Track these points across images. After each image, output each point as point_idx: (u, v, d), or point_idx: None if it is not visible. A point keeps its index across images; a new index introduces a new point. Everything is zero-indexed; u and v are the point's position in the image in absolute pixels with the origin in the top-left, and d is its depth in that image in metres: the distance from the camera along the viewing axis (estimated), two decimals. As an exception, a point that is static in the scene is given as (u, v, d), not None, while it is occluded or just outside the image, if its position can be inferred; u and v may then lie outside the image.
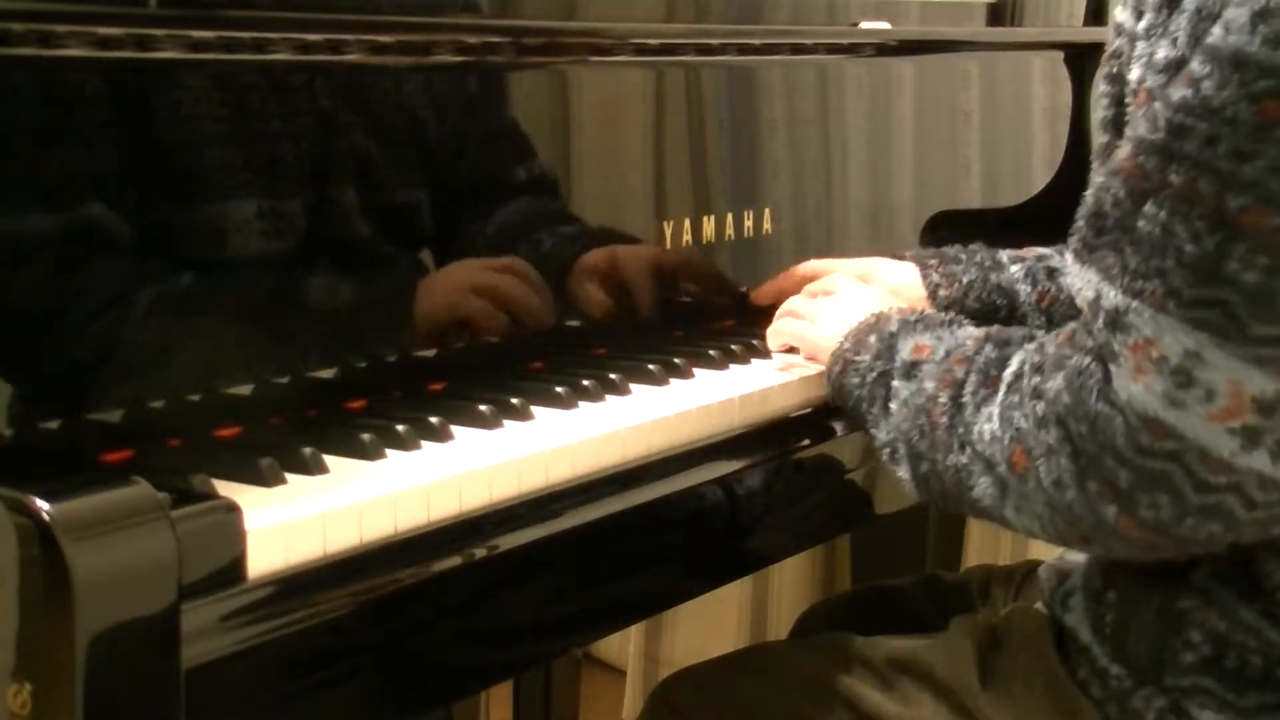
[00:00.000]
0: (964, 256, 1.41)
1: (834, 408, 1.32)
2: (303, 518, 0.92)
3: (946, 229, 1.76)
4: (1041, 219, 1.88)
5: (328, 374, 1.14)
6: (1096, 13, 2.02)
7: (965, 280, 1.39)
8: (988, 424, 0.99)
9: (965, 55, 1.83)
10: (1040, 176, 1.93)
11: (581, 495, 1.08)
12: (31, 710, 0.79)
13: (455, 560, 0.98)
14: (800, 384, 1.30)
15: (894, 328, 1.15)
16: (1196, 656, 0.98)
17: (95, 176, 0.99)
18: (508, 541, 1.02)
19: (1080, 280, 0.93)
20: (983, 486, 0.99)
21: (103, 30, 0.98)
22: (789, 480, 1.29)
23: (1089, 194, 0.94)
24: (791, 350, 1.34)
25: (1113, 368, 0.89)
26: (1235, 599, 0.97)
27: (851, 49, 1.66)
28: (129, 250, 1.01)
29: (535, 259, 1.31)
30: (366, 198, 1.17)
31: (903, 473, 1.09)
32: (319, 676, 0.94)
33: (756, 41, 1.54)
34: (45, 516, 0.78)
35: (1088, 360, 0.91)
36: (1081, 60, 1.94)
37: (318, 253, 1.13)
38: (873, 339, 1.15)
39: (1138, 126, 0.90)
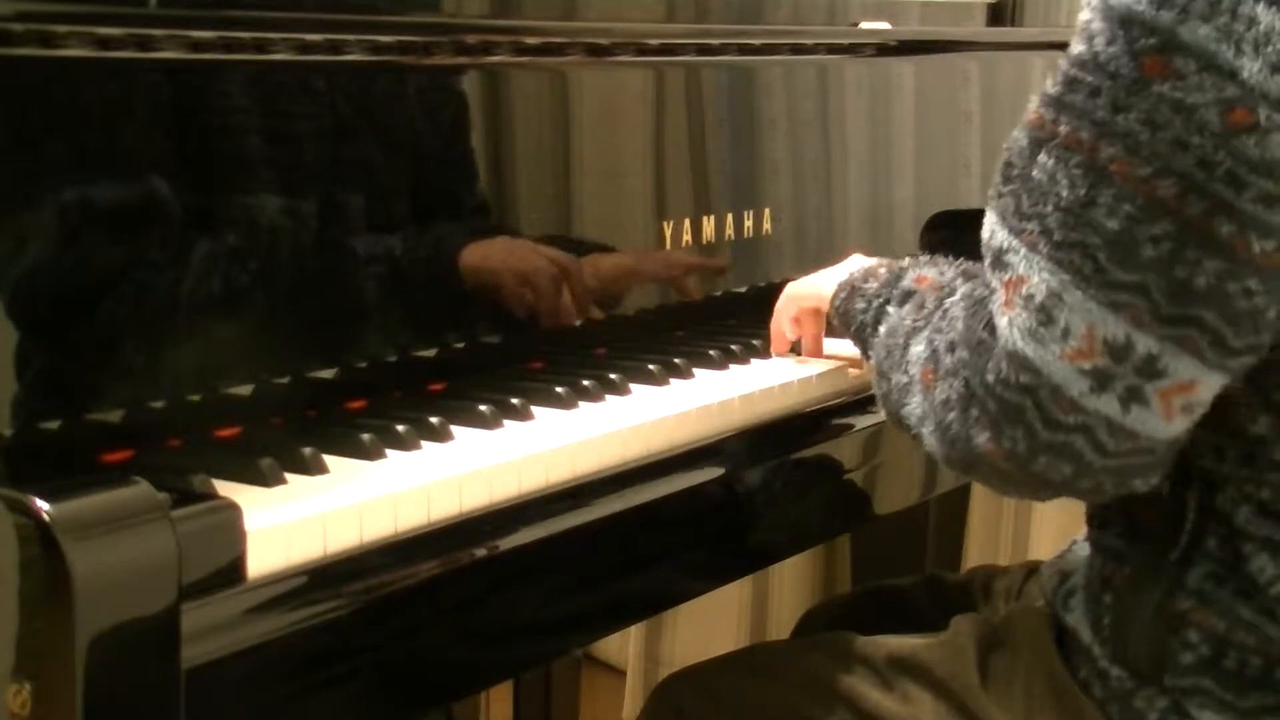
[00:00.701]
0: None
1: (832, 408, 1.32)
2: (303, 518, 0.92)
3: (946, 229, 1.76)
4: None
5: (328, 374, 1.14)
6: (1096, 13, 2.02)
7: None
8: (917, 345, 1.02)
9: (965, 55, 1.83)
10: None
11: (581, 495, 1.08)
12: (31, 710, 0.79)
13: (455, 560, 0.98)
14: (800, 384, 1.30)
15: (904, 262, 1.18)
16: (1195, 657, 0.99)
17: (95, 177, 0.99)
18: (508, 541, 1.02)
19: (985, 224, 0.96)
20: (911, 405, 1.02)
21: (103, 30, 0.98)
22: (789, 480, 1.29)
23: (1005, 144, 0.97)
24: (794, 351, 1.34)
25: (990, 304, 0.93)
26: (1232, 598, 0.97)
27: (851, 49, 1.66)
28: (129, 250, 1.01)
29: (535, 258, 1.31)
30: (366, 197, 1.17)
31: (881, 389, 1.12)
32: (319, 676, 0.94)
33: (756, 41, 1.54)
34: (45, 516, 0.78)
35: (984, 293, 0.95)
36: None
37: (318, 253, 1.13)
38: (883, 270, 1.19)
39: (1046, 81, 0.94)
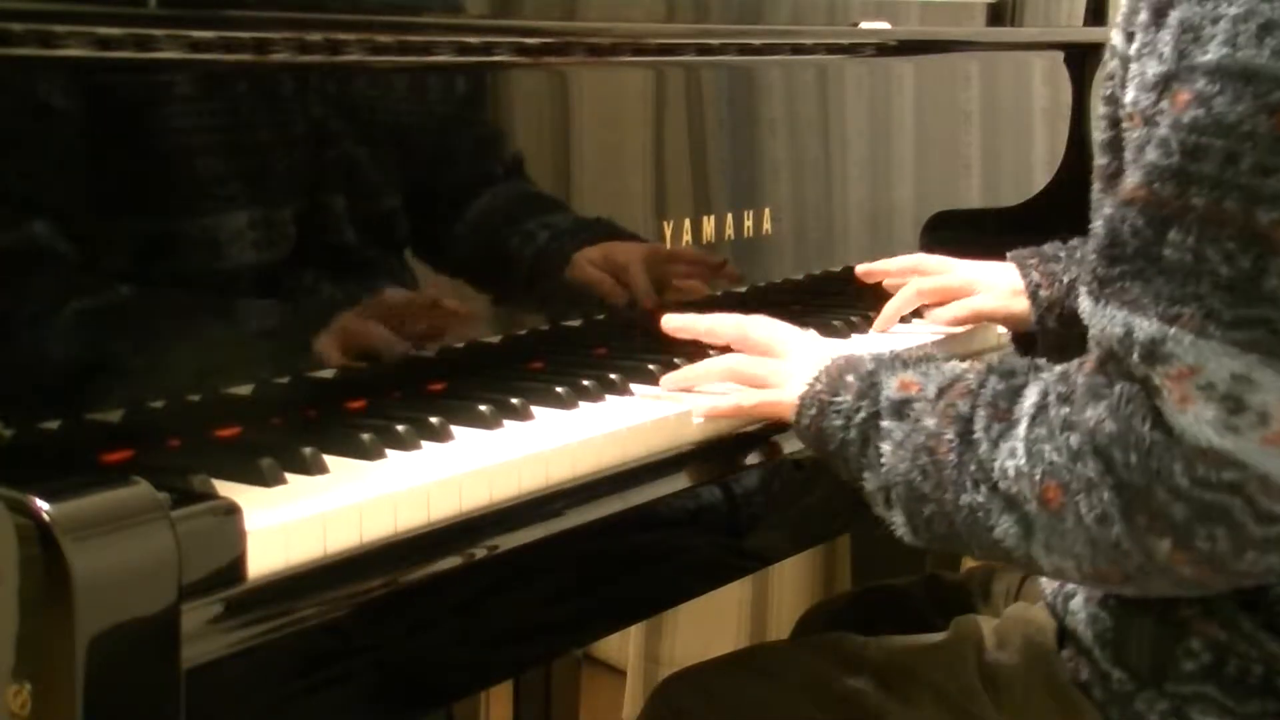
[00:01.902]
0: (1063, 254, 1.39)
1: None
2: (303, 518, 0.92)
3: (946, 229, 1.76)
4: (1041, 219, 1.88)
5: (328, 374, 1.14)
6: (1096, 13, 2.02)
7: (1065, 280, 1.37)
8: (1010, 460, 0.93)
9: (965, 55, 1.83)
10: (1040, 176, 1.93)
11: (581, 495, 1.08)
12: (31, 710, 0.79)
13: (455, 560, 0.98)
14: (800, 384, 1.30)
15: (870, 365, 1.08)
16: (1197, 664, 0.98)
17: (95, 176, 0.99)
18: (508, 541, 1.02)
19: (1103, 318, 0.89)
20: (1004, 526, 0.94)
21: (103, 30, 0.98)
22: (789, 480, 1.29)
23: (1099, 226, 0.91)
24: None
25: (1157, 402, 0.86)
26: (1235, 609, 0.97)
27: (851, 49, 1.66)
28: (130, 250, 1.01)
29: (535, 258, 1.31)
30: (367, 198, 1.17)
31: (897, 518, 1.02)
32: (319, 676, 0.94)
33: (756, 41, 1.54)
34: (45, 516, 0.78)
35: (1134, 389, 0.87)
36: (1081, 60, 1.94)
37: (319, 252, 1.13)
38: (850, 378, 1.07)
39: (1147, 154, 0.88)
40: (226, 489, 0.93)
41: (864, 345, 1.30)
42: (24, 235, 0.95)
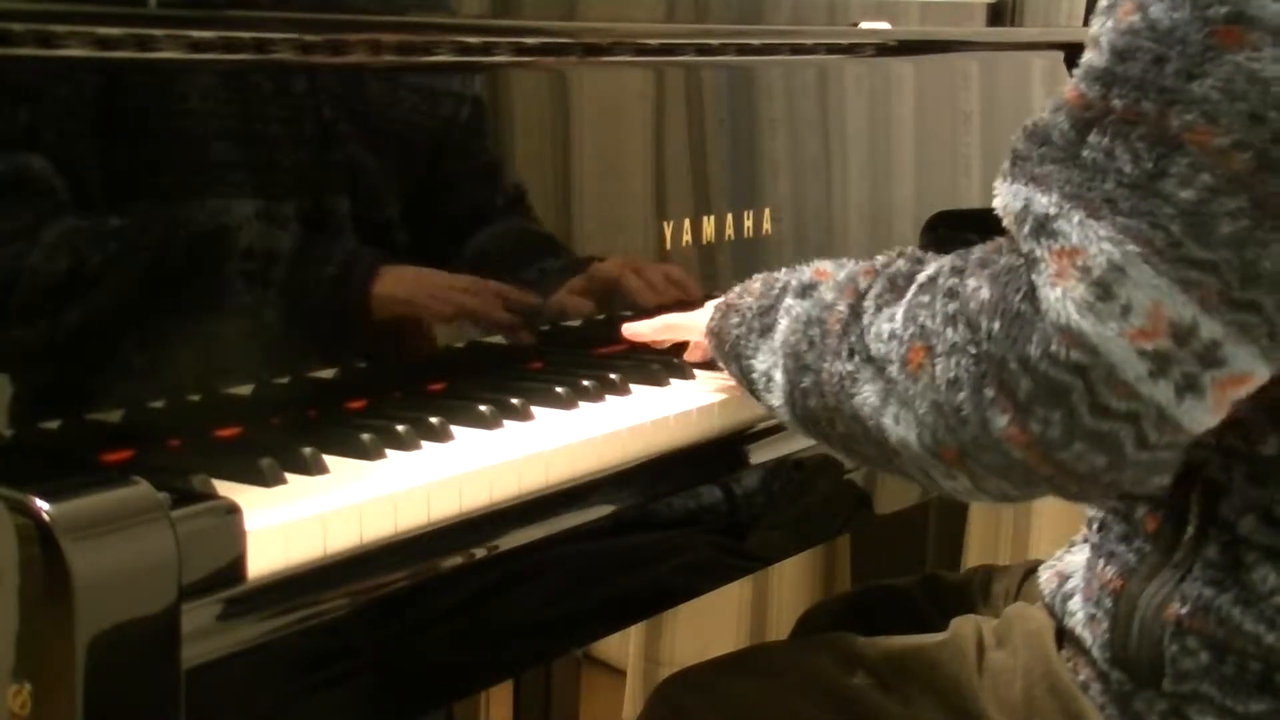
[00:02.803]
0: None
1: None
2: (303, 518, 0.92)
3: (946, 229, 1.76)
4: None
5: (328, 374, 1.14)
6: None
7: None
8: (888, 323, 0.94)
9: (965, 55, 1.83)
10: (1040, 176, 1.93)
11: (581, 495, 1.08)
12: (31, 710, 0.79)
13: (455, 560, 0.98)
14: (800, 384, 1.30)
15: (783, 271, 1.11)
16: (1195, 663, 0.98)
17: (95, 176, 0.99)
18: (508, 541, 1.02)
19: (1008, 194, 0.90)
20: (865, 393, 0.95)
21: (103, 30, 0.98)
22: (789, 480, 1.29)
23: (1029, 122, 0.92)
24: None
25: (1034, 276, 0.86)
26: (1231, 605, 0.97)
27: (851, 49, 1.66)
28: (130, 250, 1.01)
29: (535, 258, 1.31)
30: (366, 198, 1.17)
31: (775, 398, 1.04)
32: (319, 676, 0.94)
33: (756, 41, 1.54)
34: (45, 516, 0.78)
35: (1018, 262, 0.88)
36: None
37: (319, 252, 1.13)
38: (758, 284, 1.12)
39: (1083, 58, 0.89)
40: (226, 489, 0.93)
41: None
42: (24, 235, 0.95)
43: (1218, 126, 0.82)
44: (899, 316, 0.94)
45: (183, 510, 0.85)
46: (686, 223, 1.44)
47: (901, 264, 0.99)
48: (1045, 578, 1.13)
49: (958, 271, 0.93)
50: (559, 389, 1.19)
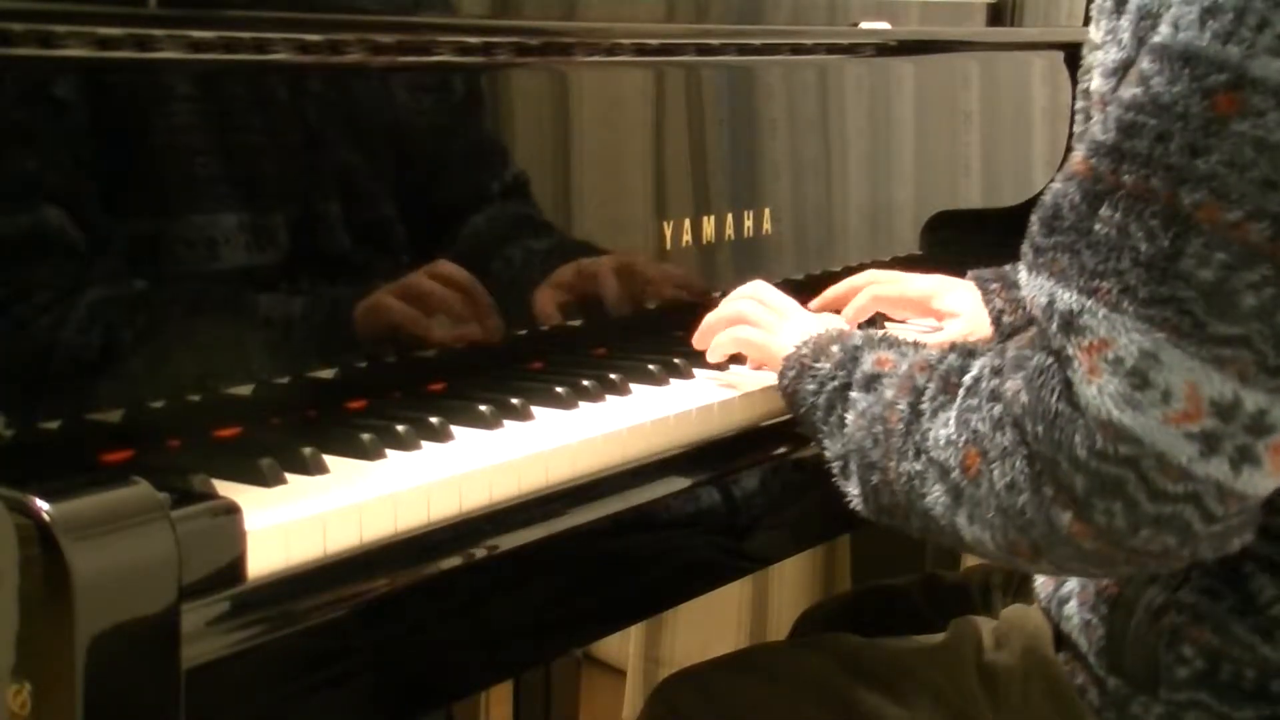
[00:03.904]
0: None
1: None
2: (303, 518, 0.92)
3: (946, 229, 1.76)
4: (1041, 219, 1.88)
5: (328, 374, 1.14)
6: (1096, 14, 2.02)
7: None
8: (944, 429, 0.95)
9: (965, 55, 1.83)
10: (1040, 176, 1.93)
11: (581, 495, 1.08)
12: (31, 710, 0.79)
13: (455, 560, 0.98)
14: (800, 384, 1.30)
15: (858, 341, 1.11)
16: (1191, 671, 0.98)
17: (95, 176, 0.99)
18: (508, 541, 1.02)
19: (1033, 287, 0.90)
20: (935, 495, 0.96)
21: (103, 30, 0.98)
22: (789, 480, 1.29)
23: (1044, 199, 0.92)
24: (735, 360, 1.30)
25: (1069, 373, 0.87)
26: (1226, 614, 0.97)
27: (851, 49, 1.66)
28: (130, 250, 1.01)
29: (535, 258, 1.31)
30: (368, 197, 1.17)
31: (852, 488, 1.05)
32: (319, 676, 0.94)
33: (756, 41, 1.54)
34: (45, 516, 0.78)
35: (1048, 360, 0.89)
36: (1081, 60, 1.94)
37: (319, 252, 1.13)
38: (835, 348, 1.11)
39: (1092, 129, 0.89)
40: (226, 489, 0.93)
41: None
42: (24, 235, 0.95)
43: (1228, 202, 0.82)
44: (952, 421, 0.95)
45: (183, 510, 0.85)
46: (686, 223, 1.44)
47: (953, 359, 0.99)
48: (1041, 581, 1.13)
49: (996, 372, 0.93)
50: (559, 389, 1.19)
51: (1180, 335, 0.83)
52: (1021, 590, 1.27)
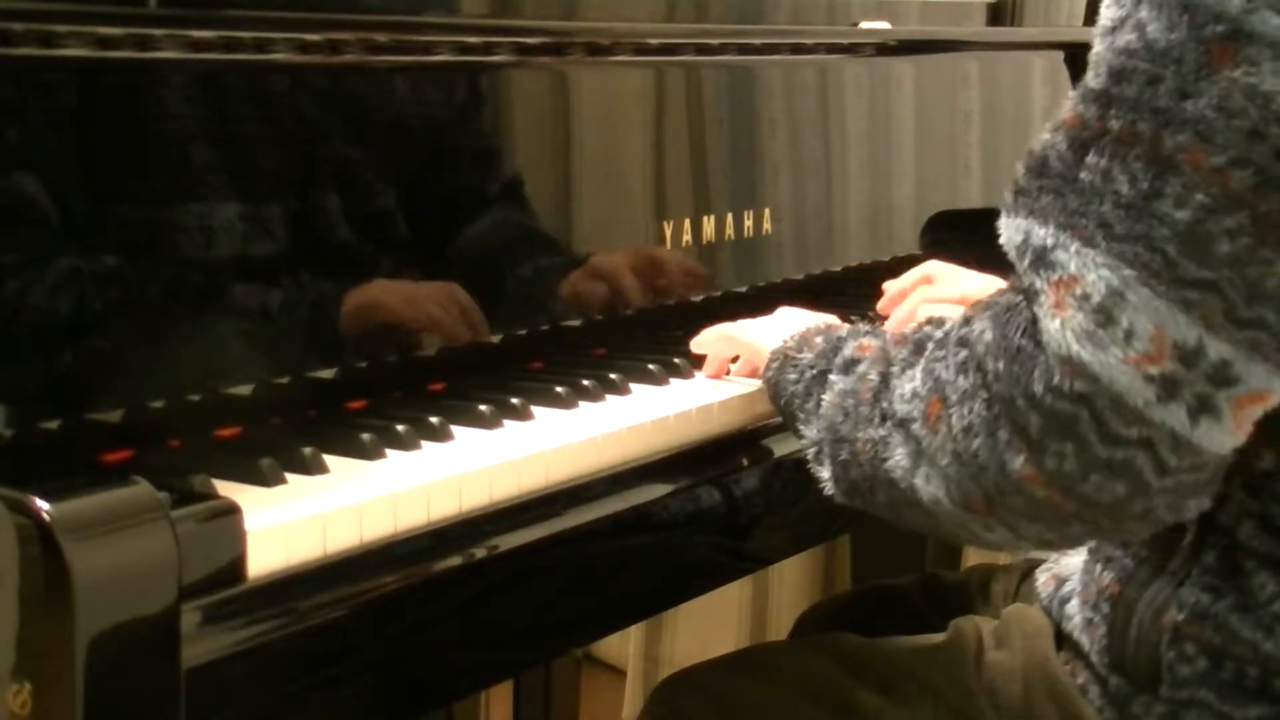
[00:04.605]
0: None
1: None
2: (303, 518, 0.92)
3: (946, 229, 1.76)
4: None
5: (328, 374, 1.14)
6: (1096, 13, 2.02)
7: None
8: (909, 383, 0.95)
9: (965, 55, 1.83)
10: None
11: (582, 495, 1.08)
12: (31, 710, 0.79)
13: (455, 560, 0.98)
14: (800, 384, 1.30)
15: (843, 332, 1.11)
16: (1193, 670, 0.98)
17: (95, 176, 0.99)
18: (508, 541, 1.02)
19: (1010, 228, 0.89)
20: (896, 457, 0.95)
21: (103, 30, 0.98)
22: (789, 480, 1.29)
23: (1031, 148, 0.91)
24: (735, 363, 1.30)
25: (1035, 308, 0.86)
26: (1228, 612, 0.97)
27: (851, 49, 1.66)
28: (130, 249, 1.01)
29: (535, 259, 1.31)
30: (368, 197, 1.17)
31: (824, 472, 1.04)
32: (319, 676, 0.94)
33: (756, 41, 1.54)
34: (45, 516, 0.78)
35: (1017, 298, 0.88)
36: (1081, 60, 1.93)
37: (319, 252, 1.13)
38: (819, 340, 1.12)
39: (1084, 79, 0.89)
40: (226, 489, 0.93)
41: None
42: (24, 235, 0.95)
43: (1213, 145, 0.81)
44: (918, 374, 0.94)
45: (183, 510, 0.85)
46: (686, 223, 1.44)
47: (928, 329, 0.99)
48: (1043, 580, 1.13)
49: (966, 321, 0.93)
50: (559, 389, 1.19)
51: (1150, 273, 0.82)
52: (1022, 590, 1.27)
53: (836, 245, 1.63)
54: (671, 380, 1.28)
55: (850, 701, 1.15)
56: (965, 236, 1.72)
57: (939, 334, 0.96)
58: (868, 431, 0.98)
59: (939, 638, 1.18)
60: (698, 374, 1.30)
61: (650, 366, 1.27)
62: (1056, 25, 2.04)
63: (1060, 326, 0.84)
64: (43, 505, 0.79)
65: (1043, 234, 0.86)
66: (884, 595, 1.41)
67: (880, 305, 1.46)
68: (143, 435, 1.01)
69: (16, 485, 0.80)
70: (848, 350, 1.07)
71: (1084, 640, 1.05)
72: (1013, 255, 0.89)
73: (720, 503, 1.22)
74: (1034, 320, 0.86)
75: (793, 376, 1.11)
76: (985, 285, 1.43)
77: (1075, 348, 0.83)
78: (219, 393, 1.07)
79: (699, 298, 1.46)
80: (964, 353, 0.91)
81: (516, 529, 1.03)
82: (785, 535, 1.35)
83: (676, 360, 1.30)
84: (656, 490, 1.14)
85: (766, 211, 1.53)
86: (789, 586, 2.41)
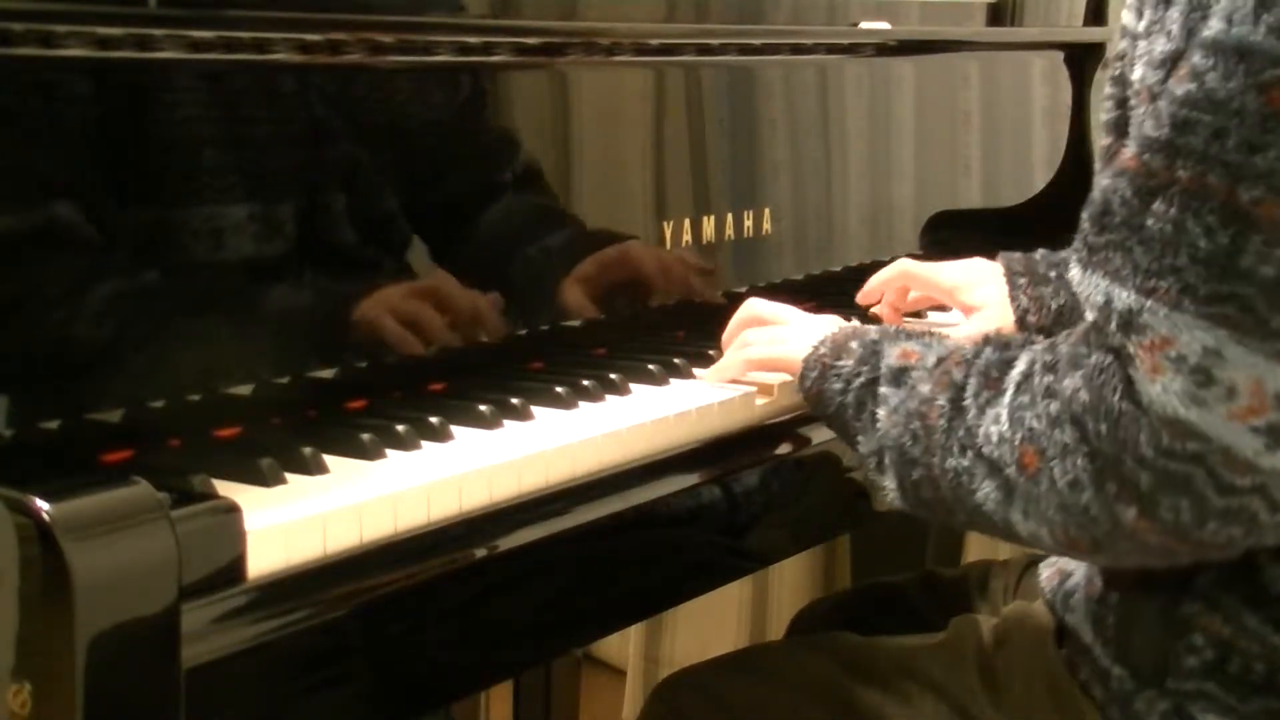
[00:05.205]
0: (1054, 275, 1.38)
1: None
2: (303, 518, 0.92)
3: (946, 229, 1.76)
4: (1041, 219, 1.89)
5: (328, 374, 1.14)
6: (1096, 13, 2.02)
7: (1054, 306, 1.37)
8: (994, 425, 0.95)
9: (965, 55, 1.83)
10: (1040, 176, 1.93)
11: (581, 495, 1.08)
12: (31, 710, 0.79)
13: (455, 560, 0.98)
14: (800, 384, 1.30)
15: (875, 335, 1.11)
16: (1199, 661, 0.98)
17: (95, 176, 0.99)
18: (508, 541, 1.02)
19: (1087, 286, 0.91)
20: (986, 490, 0.96)
21: (103, 30, 0.98)
22: (789, 480, 1.29)
23: (1093, 195, 0.92)
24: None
25: (1130, 371, 0.87)
26: (1239, 605, 0.97)
27: (851, 49, 1.66)
28: (130, 250, 1.01)
29: (535, 259, 1.31)
30: (367, 198, 1.17)
31: (888, 482, 1.05)
32: (319, 676, 0.94)
33: (756, 41, 1.54)
34: (45, 516, 0.78)
35: (1108, 359, 0.89)
36: (1081, 60, 1.94)
37: (319, 253, 1.13)
38: (854, 344, 1.11)
39: (1143, 125, 0.89)
40: (226, 489, 0.93)
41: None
42: (24, 235, 0.95)
43: None
44: (1004, 418, 0.95)
45: (183, 510, 0.85)
46: (686, 223, 1.44)
47: (990, 354, 1.00)
48: (1046, 575, 1.13)
49: (1050, 369, 0.93)
50: (559, 389, 1.19)
51: (1242, 332, 0.84)
52: (1022, 586, 1.27)
53: (836, 245, 1.63)
54: (671, 380, 1.28)
55: (850, 701, 1.15)
56: (965, 236, 1.72)
57: (1017, 375, 0.96)
58: (948, 461, 0.98)
59: (939, 636, 1.18)
60: (698, 373, 1.30)
61: (650, 366, 1.27)
62: (1056, 25, 2.04)
63: (1162, 390, 0.85)
64: (43, 505, 0.79)
65: (1126, 298, 0.87)
66: (883, 593, 1.41)
67: (859, 297, 1.48)
68: (143, 435, 1.01)
69: (16, 485, 0.80)
70: (891, 358, 1.07)
71: (1088, 633, 1.05)
72: (1094, 314, 0.90)
73: (720, 502, 1.22)
74: (1130, 382, 0.87)
75: (838, 386, 1.10)
76: (966, 271, 1.43)
77: (1181, 410, 0.85)
78: (219, 393, 1.07)
79: (699, 298, 1.46)
80: (1055, 405, 0.91)
81: (516, 529, 1.03)
82: (785, 535, 1.35)
83: (676, 360, 1.30)
84: (656, 490, 1.14)
85: (766, 211, 1.53)
86: (789, 586, 2.41)
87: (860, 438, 1.08)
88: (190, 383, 1.05)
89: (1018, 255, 1.43)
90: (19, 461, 0.91)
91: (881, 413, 1.05)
